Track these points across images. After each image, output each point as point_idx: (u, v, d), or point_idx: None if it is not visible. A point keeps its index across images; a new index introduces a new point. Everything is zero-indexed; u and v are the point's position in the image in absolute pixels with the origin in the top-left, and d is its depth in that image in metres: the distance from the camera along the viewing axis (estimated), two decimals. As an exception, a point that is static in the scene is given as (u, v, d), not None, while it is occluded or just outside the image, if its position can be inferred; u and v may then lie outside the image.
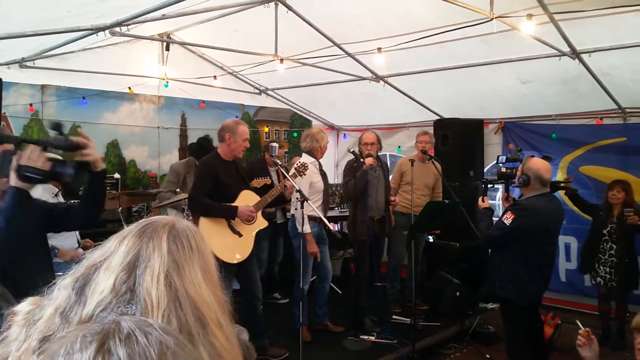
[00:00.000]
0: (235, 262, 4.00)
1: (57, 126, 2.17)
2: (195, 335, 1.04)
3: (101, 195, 2.51)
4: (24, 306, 1.15)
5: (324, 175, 4.89)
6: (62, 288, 1.11)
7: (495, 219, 4.02)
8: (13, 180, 2.10)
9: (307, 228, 4.52)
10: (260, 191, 4.48)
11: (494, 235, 3.75)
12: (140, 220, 1.21)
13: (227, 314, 1.15)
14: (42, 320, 1.07)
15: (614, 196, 5.14)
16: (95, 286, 1.08)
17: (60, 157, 2.33)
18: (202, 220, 4.02)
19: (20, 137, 2.11)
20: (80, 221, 2.60)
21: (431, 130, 6.54)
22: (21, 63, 5.20)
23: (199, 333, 1.05)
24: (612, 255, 5.09)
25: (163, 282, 1.08)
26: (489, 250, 4.31)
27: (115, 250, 1.14)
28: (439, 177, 5.71)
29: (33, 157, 2.04)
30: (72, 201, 2.96)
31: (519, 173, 3.75)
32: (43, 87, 5.57)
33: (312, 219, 4.60)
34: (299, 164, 4.46)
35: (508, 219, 3.60)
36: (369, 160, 4.78)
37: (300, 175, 4.43)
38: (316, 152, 4.82)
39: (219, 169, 4.10)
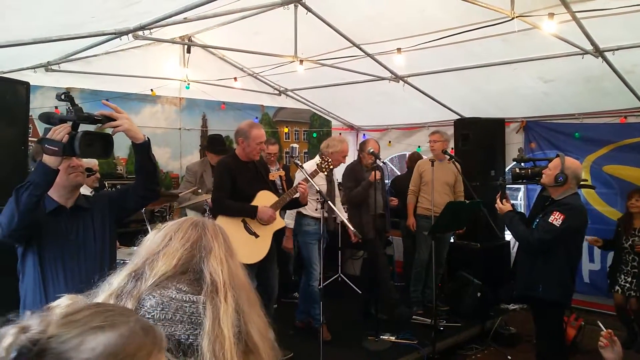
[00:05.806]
0: (249, 262, 3.96)
1: (67, 96, 2.13)
2: (247, 312, 1.22)
3: (149, 168, 2.49)
4: (63, 300, 1.21)
5: (329, 178, 4.97)
6: (121, 277, 1.26)
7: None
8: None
9: (288, 222, 4.89)
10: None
11: (544, 239, 3.51)
12: (178, 220, 1.38)
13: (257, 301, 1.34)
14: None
15: (632, 205, 5.03)
16: (156, 269, 1.25)
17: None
18: (218, 221, 4.03)
19: (60, 115, 2.17)
20: (137, 198, 2.61)
21: (451, 130, 6.50)
22: (47, 67, 5.32)
23: (249, 310, 1.23)
24: (634, 267, 4.97)
25: (226, 266, 1.27)
26: (515, 252, 4.22)
27: (172, 239, 1.30)
28: (459, 176, 5.61)
29: (57, 131, 2.09)
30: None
31: (554, 172, 3.59)
32: (68, 90, 5.68)
33: (314, 218, 4.79)
34: (322, 160, 4.49)
35: (557, 220, 3.45)
36: (378, 175, 4.92)
37: (322, 172, 4.46)
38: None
39: (236, 169, 4.15)
